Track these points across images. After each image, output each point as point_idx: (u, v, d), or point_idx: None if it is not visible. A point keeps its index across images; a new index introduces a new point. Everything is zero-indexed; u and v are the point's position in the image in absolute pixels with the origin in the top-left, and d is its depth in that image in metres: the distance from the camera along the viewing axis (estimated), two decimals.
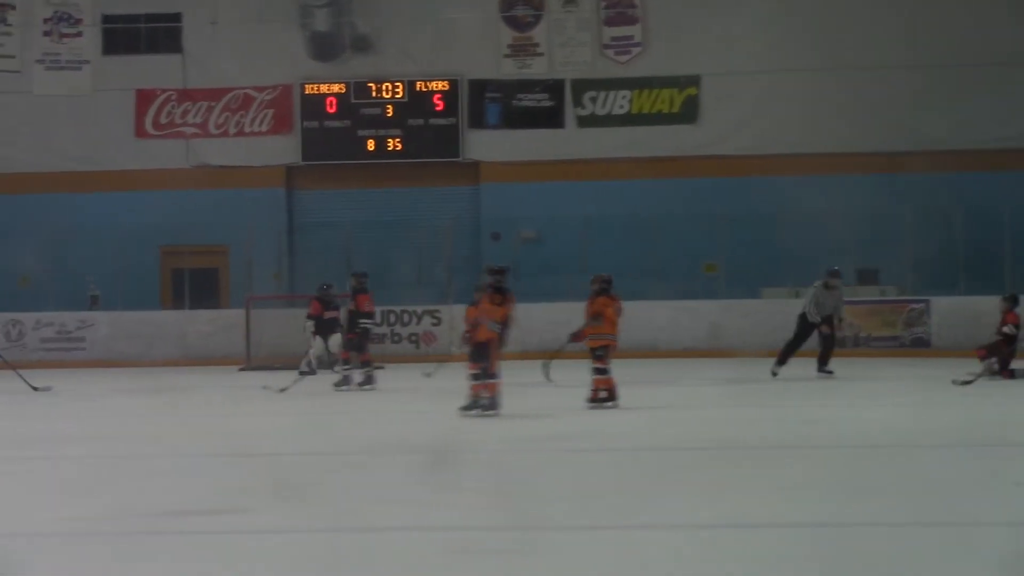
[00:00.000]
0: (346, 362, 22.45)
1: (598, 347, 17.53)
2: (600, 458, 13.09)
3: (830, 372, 22.27)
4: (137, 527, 9.57)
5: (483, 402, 16.72)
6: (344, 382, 22.10)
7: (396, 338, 30.06)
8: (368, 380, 22.15)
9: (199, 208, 32.53)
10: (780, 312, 29.64)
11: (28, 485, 11.95)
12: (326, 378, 22.95)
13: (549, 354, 22.08)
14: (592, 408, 17.27)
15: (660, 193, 31.94)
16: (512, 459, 13.18)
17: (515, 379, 20.24)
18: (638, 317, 29.79)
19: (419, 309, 30.46)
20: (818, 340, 22.62)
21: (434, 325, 30.33)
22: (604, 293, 17.83)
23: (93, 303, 31.66)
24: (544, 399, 19.46)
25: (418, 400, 20.19)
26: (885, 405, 18.15)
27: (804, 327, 22.66)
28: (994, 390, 19.72)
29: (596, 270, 30.05)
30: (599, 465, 12.60)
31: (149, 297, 32.22)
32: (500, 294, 17.18)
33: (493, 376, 16.79)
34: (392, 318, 30.14)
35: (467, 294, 31.29)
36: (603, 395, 17.44)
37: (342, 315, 23.56)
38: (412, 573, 8.10)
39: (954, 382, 20.06)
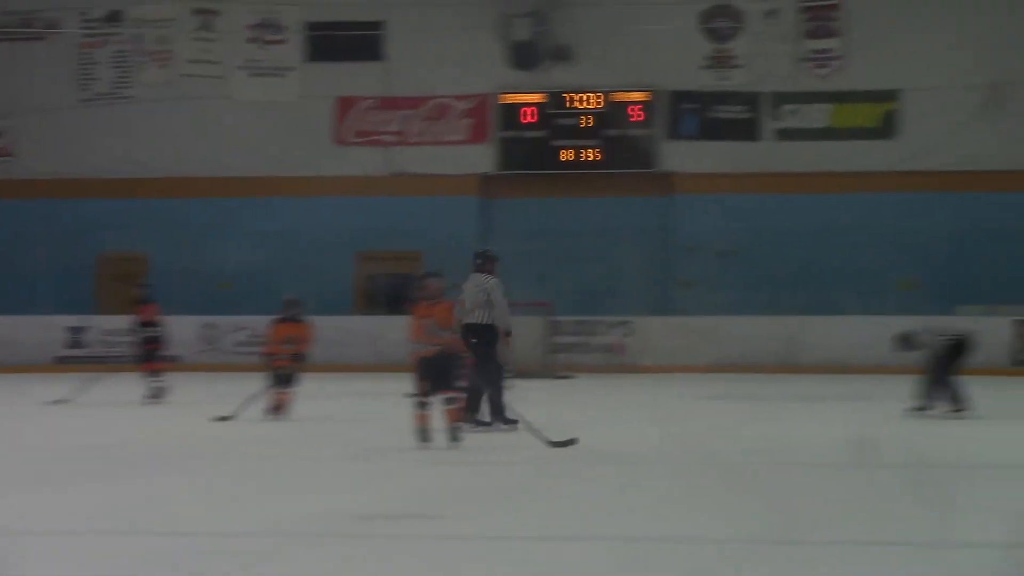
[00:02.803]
0: (152, 373, 21.40)
1: None
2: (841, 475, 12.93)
3: None
4: (340, 530, 9.56)
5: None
6: (156, 394, 21.21)
7: (587, 348, 30.03)
8: (156, 394, 21.24)
9: (393, 214, 32.86)
10: (975, 330, 29.24)
11: (239, 485, 12.15)
12: None
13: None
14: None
15: (857, 207, 31.52)
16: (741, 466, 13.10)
17: (713, 392, 20.10)
18: (830, 332, 29.60)
19: (610, 320, 30.43)
20: None
21: (625, 336, 30.27)
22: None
23: None
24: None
25: (610, 410, 20.03)
26: None
27: None
28: None
29: (792, 283, 30.23)
30: (845, 483, 12.46)
31: (342, 302, 32.60)
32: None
33: None
34: (583, 329, 30.18)
35: (660, 306, 31.53)
36: None
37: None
38: None
39: None
